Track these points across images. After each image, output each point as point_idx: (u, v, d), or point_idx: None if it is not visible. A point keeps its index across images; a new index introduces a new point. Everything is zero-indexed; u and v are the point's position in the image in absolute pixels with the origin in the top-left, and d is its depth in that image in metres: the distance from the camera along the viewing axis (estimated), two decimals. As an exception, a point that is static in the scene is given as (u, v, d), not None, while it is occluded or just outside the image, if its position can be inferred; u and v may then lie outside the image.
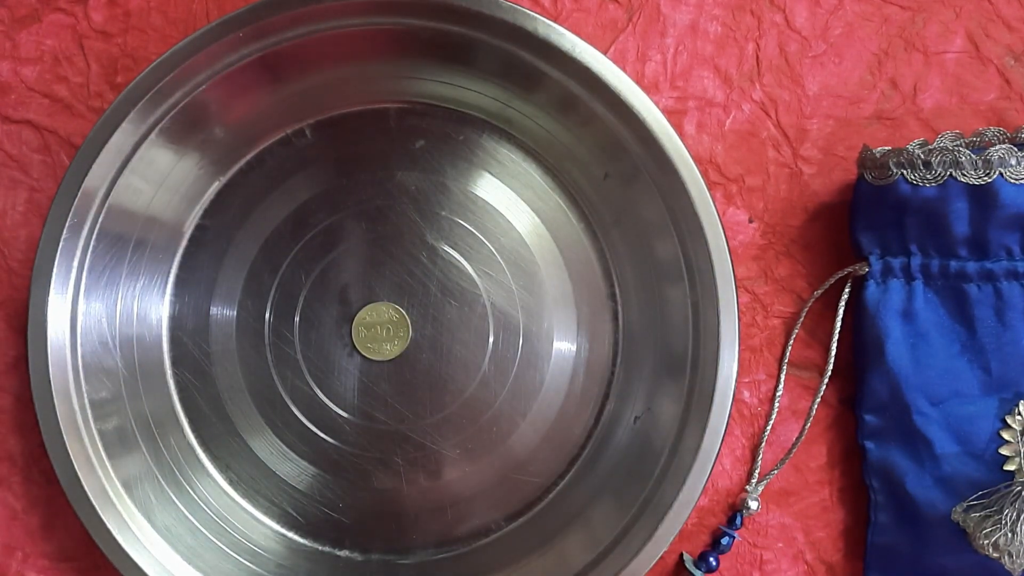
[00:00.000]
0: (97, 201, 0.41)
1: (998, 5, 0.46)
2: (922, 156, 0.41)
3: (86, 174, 0.41)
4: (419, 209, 0.45)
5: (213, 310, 0.45)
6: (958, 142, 0.44)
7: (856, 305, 0.44)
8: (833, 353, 0.45)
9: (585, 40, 0.41)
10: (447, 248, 0.45)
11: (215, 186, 0.45)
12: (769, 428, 0.45)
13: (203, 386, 0.45)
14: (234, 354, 0.45)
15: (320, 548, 0.45)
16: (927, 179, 0.41)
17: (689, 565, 0.44)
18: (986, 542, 0.40)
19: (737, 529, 0.45)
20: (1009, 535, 0.39)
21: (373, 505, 0.45)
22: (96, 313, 0.43)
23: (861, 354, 0.44)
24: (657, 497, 0.41)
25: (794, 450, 0.45)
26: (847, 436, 0.45)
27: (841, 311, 0.45)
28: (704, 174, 0.41)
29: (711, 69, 0.46)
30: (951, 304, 0.43)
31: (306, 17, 0.41)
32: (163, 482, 0.43)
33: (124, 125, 0.41)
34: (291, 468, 0.45)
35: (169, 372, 0.45)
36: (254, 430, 0.45)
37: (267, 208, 0.45)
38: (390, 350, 0.44)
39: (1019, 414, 0.42)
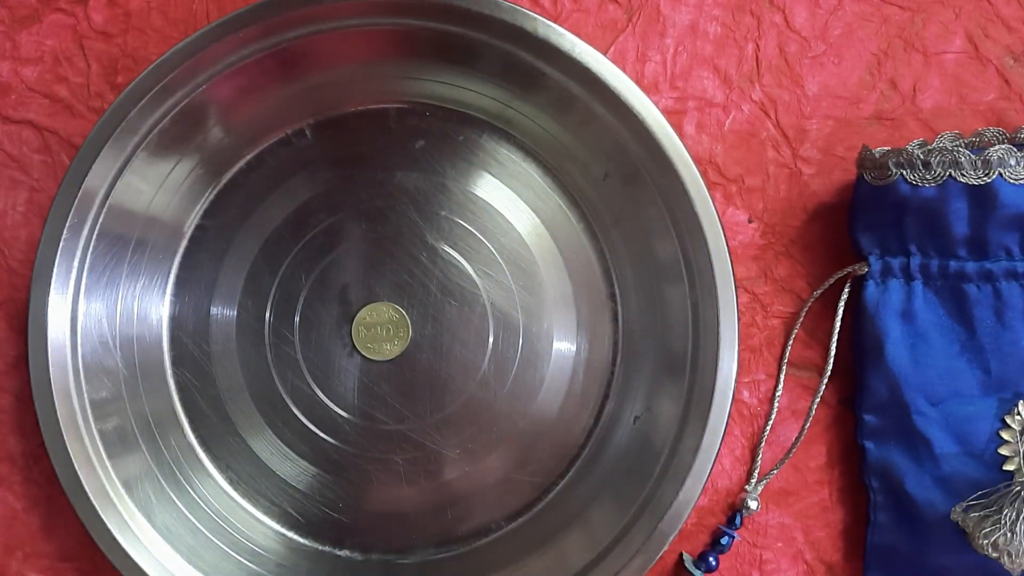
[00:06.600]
0: (97, 201, 0.41)
1: (997, 5, 0.46)
2: (921, 156, 0.41)
3: (86, 174, 0.41)
4: (419, 209, 0.45)
5: (213, 310, 0.45)
6: (957, 142, 0.44)
7: (855, 305, 0.44)
8: (832, 353, 0.45)
9: (585, 40, 0.41)
10: (447, 248, 0.45)
11: (215, 186, 0.45)
12: (768, 428, 0.45)
13: (203, 386, 0.45)
14: (234, 354, 0.45)
15: (320, 548, 0.45)
16: (926, 179, 0.41)
17: (689, 565, 0.44)
18: (985, 542, 0.40)
19: (737, 529, 0.45)
20: (1008, 535, 0.39)
21: (373, 505, 0.45)
22: (96, 313, 0.43)
23: (860, 354, 0.44)
24: (657, 497, 0.41)
25: (793, 450, 0.45)
26: (846, 436, 0.45)
27: (840, 311, 0.45)
28: (704, 174, 0.41)
29: (711, 69, 0.46)
30: (950, 304, 0.43)
31: (306, 18, 0.41)
32: (163, 482, 0.43)
33: (124, 125, 0.41)
34: (291, 468, 0.45)
35: (169, 372, 0.45)
36: (254, 430, 0.45)
37: (267, 208, 0.45)
38: (390, 350, 0.44)
39: (1018, 414, 0.42)
